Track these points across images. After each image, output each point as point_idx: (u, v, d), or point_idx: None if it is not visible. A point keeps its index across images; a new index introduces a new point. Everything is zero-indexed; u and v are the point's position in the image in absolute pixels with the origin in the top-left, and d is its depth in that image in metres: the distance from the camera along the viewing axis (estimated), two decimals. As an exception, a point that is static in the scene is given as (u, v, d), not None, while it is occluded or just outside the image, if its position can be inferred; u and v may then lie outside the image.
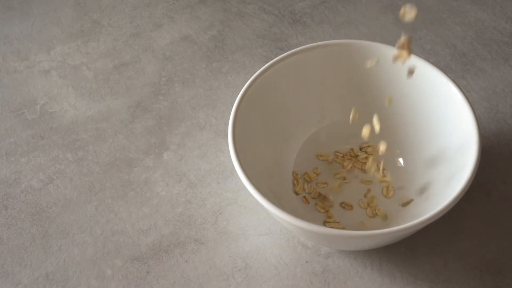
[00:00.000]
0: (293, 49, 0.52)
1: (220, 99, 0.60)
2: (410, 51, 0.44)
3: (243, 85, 0.49)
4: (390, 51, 0.49)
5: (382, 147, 0.49)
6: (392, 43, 0.50)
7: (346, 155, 0.53)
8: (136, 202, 0.52)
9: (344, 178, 0.52)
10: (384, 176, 0.52)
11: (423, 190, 0.49)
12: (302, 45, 0.52)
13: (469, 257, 0.48)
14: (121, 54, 0.64)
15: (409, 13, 0.42)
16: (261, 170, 0.48)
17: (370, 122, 0.48)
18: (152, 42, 0.66)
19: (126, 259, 0.49)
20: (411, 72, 0.46)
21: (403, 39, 0.43)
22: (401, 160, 0.53)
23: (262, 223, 0.50)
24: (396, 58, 0.45)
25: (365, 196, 0.51)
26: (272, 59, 0.51)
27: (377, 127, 0.48)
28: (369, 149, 0.53)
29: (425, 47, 0.63)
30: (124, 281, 0.48)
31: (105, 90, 0.61)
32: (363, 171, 0.52)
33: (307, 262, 0.48)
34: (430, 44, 0.63)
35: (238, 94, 0.49)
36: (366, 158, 0.53)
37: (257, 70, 0.50)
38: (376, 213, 0.50)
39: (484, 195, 0.52)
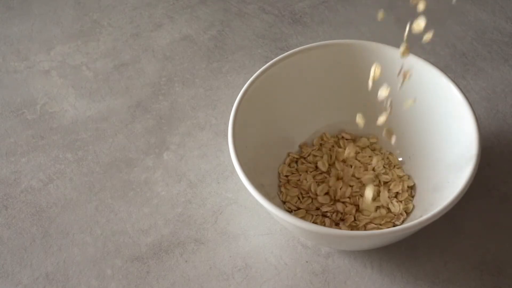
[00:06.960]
0: (293, 49, 0.52)
1: (220, 99, 0.60)
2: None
3: (243, 85, 0.49)
4: (390, 51, 0.49)
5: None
6: (392, 43, 0.50)
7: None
8: (136, 202, 0.52)
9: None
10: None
11: (422, 190, 0.49)
12: (302, 45, 0.52)
13: (469, 257, 0.48)
14: (121, 54, 0.64)
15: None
16: (261, 170, 0.48)
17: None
18: (152, 42, 0.66)
19: (126, 259, 0.49)
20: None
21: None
22: (401, 160, 0.53)
23: (262, 223, 0.50)
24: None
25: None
26: (272, 59, 0.51)
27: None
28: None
29: (425, 47, 0.63)
30: (124, 281, 0.48)
31: (105, 90, 0.61)
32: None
33: (307, 262, 0.48)
34: (430, 44, 0.63)
35: (238, 94, 0.48)
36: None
37: (257, 70, 0.50)
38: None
39: (484, 195, 0.52)
